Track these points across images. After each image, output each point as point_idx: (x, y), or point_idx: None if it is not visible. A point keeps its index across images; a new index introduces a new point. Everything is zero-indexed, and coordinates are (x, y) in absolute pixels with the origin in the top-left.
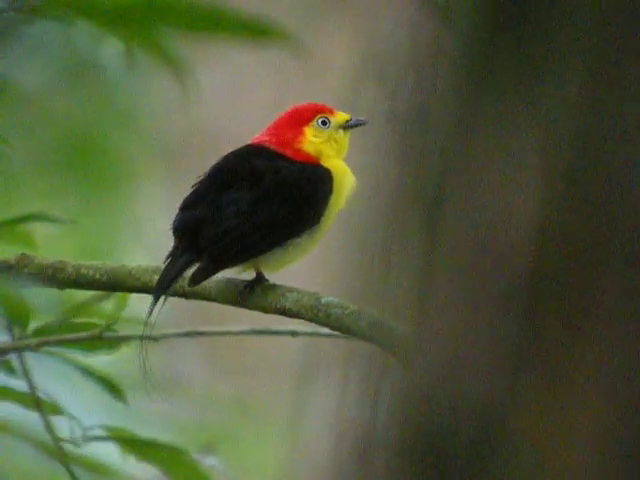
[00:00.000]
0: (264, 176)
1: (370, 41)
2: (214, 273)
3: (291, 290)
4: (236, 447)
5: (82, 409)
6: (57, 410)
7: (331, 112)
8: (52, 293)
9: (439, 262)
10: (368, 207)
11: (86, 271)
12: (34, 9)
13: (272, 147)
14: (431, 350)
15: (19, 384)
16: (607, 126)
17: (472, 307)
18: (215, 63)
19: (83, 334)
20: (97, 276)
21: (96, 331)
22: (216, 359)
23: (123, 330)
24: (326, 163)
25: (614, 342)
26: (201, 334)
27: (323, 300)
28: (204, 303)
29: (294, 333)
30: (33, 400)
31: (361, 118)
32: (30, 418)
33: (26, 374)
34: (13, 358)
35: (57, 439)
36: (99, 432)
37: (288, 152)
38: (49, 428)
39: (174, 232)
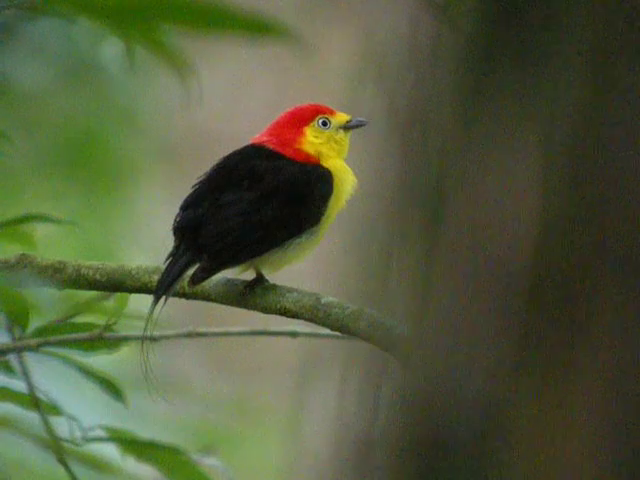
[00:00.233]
0: (264, 176)
1: (370, 41)
2: (214, 273)
3: (291, 290)
4: (236, 447)
5: (82, 410)
6: (57, 410)
7: (331, 113)
8: (52, 293)
9: (439, 262)
10: (368, 207)
11: (86, 271)
12: (35, 7)
13: (272, 147)
14: (431, 350)
15: (19, 384)
16: (607, 127)
17: (472, 307)
18: (215, 63)
19: (83, 334)
20: (97, 276)
21: (96, 331)
22: (216, 359)
23: (123, 330)
24: (326, 163)
25: (613, 342)
26: (201, 335)
27: (323, 300)
28: (204, 303)
29: (294, 334)
30: (33, 400)
31: (361, 119)
32: (30, 418)
33: (26, 374)
34: (13, 358)
35: (56, 439)
36: (99, 432)
37: (288, 152)
38: (48, 428)
39: (174, 232)
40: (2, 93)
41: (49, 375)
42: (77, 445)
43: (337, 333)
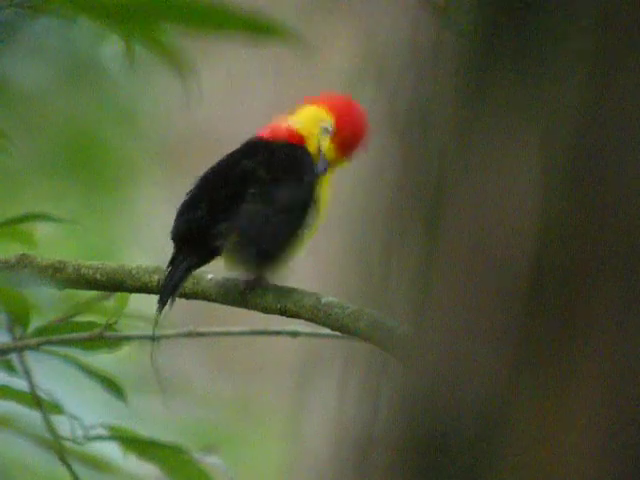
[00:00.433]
0: (257, 171)
1: (370, 41)
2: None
3: (291, 290)
4: (237, 447)
5: (83, 408)
6: (58, 409)
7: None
8: (52, 293)
9: (439, 262)
10: (368, 207)
11: (86, 271)
12: (35, 7)
13: (265, 138)
14: (431, 350)
15: (20, 383)
16: (607, 127)
17: (472, 307)
18: (215, 63)
19: (84, 334)
20: (97, 276)
21: (97, 331)
22: (216, 359)
23: (124, 330)
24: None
25: (613, 342)
26: (201, 335)
27: (323, 300)
28: (204, 303)
29: (295, 334)
30: (34, 399)
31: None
32: (31, 417)
33: (27, 373)
34: (14, 357)
35: (58, 438)
36: (100, 431)
37: (280, 136)
38: (50, 427)
39: (173, 239)
40: (2, 93)
41: (50, 374)
42: (78, 444)
43: (337, 333)
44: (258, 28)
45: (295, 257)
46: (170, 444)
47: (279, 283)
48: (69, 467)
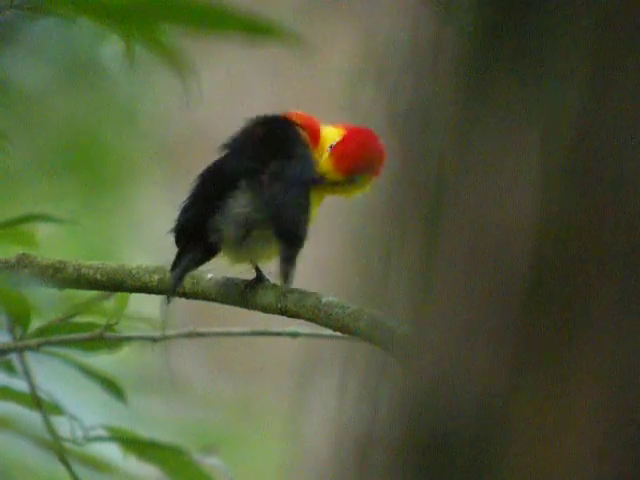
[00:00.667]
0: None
1: (370, 41)
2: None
3: (292, 290)
4: (237, 447)
5: (83, 409)
6: (58, 410)
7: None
8: (52, 293)
9: (439, 262)
10: (368, 207)
11: (87, 271)
12: (35, 7)
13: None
14: (431, 350)
15: (20, 384)
16: (607, 127)
17: (472, 307)
18: (215, 63)
19: (84, 334)
20: (97, 276)
21: (97, 331)
22: (217, 359)
23: (124, 331)
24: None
25: (613, 342)
26: (202, 335)
27: (324, 300)
28: (205, 303)
29: (295, 334)
30: (34, 400)
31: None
32: (31, 418)
33: (27, 374)
34: (14, 358)
35: (58, 438)
36: (100, 432)
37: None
38: (50, 428)
39: (177, 235)
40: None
41: (50, 375)
42: (78, 445)
43: (337, 333)
44: (257, 28)
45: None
46: (170, 445)
47: (279, 283)
48: (69, 468)
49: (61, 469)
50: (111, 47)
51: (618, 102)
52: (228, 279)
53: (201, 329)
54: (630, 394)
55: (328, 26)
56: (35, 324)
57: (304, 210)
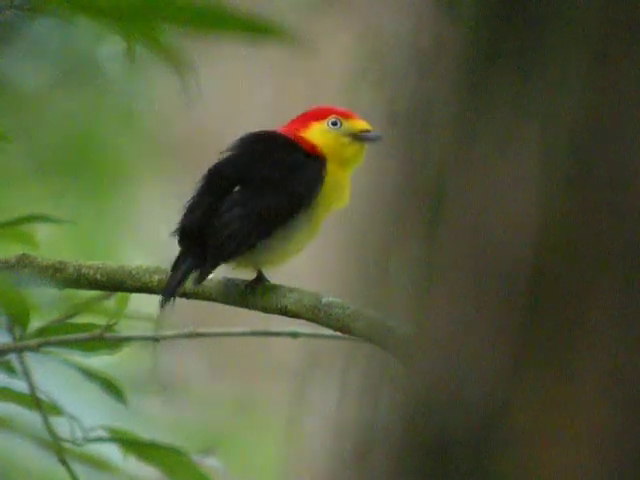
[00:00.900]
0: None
1: (370, 41)
2: (214, 268)
3: (292, 290)
4: (236, 447)
5: (82, 410)
6: (57, 410)
7: (347, 116)
8: (52, 293)
9: (439, 262)
10: (368, 207)
11: (87, 271)
12: (35, 7)
13: (283, 134)
14: (431, 350)
15: (19, 384)
16: (607, 127)
17: (472, 307)
18: (215, 63)
19: (84, 335)
20: (98, 276)
21: (97, 332)
22: (217, 359)
23: (124, 331)
24: (330, 165)
25: (613, 342)
26: (202, 335)
27: (324, 300)
28: (205, 303)
29: (295, 334)
30: (33, 400)
31: (378, 133)
32: (31, 418)
33: (26, 374)
34: (13, 358)
35: (57, 439)
36: (100, 433)
37: (293, 137)
38: (49, 428)
39: (179, 241)
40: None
41: (50, 375)
42: (78, 445)
43: (337, 333)
44: (257, 28)
45: (294, 254)
46: (170, 446)
47: (279, 283)
48: (69, 468)
49: (61, 469)
50: (111, 47)
51: (618, 102)
52: (228, 279)
53: (201, 329)
54: (630, 394)
55: (328, 25)
56: (35, 324)
57: (253, 226)
